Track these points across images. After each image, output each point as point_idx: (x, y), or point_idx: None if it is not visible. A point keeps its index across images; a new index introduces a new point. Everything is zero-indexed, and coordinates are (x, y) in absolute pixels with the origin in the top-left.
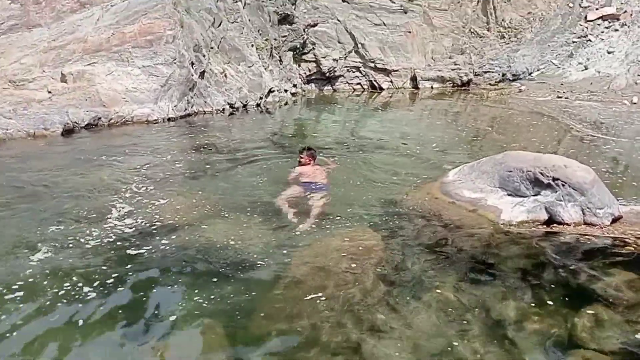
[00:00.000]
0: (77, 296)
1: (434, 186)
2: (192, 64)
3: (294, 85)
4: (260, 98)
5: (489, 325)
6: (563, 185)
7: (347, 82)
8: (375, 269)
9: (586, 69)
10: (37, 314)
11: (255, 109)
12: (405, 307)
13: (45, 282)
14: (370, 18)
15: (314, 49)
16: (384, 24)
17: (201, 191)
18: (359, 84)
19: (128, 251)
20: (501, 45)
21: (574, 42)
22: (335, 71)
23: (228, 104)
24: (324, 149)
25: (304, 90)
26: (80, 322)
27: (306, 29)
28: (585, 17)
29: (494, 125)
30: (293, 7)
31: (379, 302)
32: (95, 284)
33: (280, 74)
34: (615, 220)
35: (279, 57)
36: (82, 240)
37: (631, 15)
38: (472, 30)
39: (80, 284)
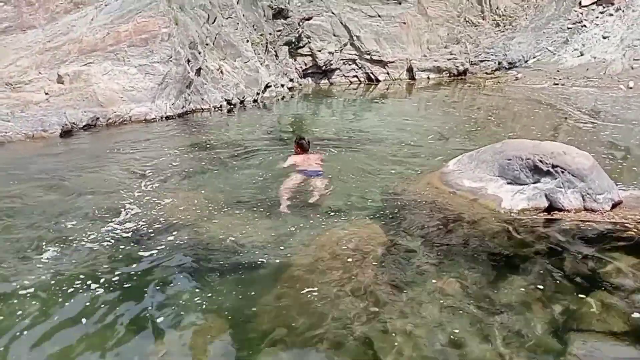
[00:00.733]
0: (79, 296)
1: (434, 176)
2: (188, 61)
3: (291, 80)
4: (257, 93)
5: (493, 313)
6: (562, 172)
7: (344, 75)
8: (377, 261)
9: (582, 54)
10: (39, 315)
11: (253, 104)
12: (408, 298)
13: (48, 284)
14: (364, 10)
15: (309, 42)
16: (379, 16)
17: (202, 188)
18: (355, 76)
19: (129, 250)
20: (496, 34)
21: (568, 28)
22: (332, 64)
23: (225, 100)
24: (322, 142)
25: (301, 85)
26: (84, 321)
27: (301, 23)
28: (580, 3)
29: (492, 114)
30: (287, 1)
31: (382, 294)
32: (96, 284)
33: (277, 69)
34: (615, 205)
35: (275, 51)
36: (84, 240)
37: None
38: (467, 19)
39: (82, 284)
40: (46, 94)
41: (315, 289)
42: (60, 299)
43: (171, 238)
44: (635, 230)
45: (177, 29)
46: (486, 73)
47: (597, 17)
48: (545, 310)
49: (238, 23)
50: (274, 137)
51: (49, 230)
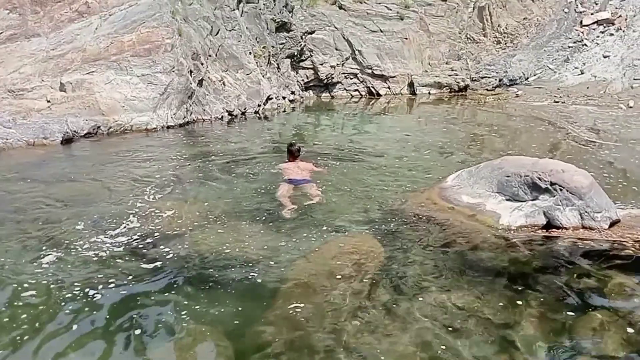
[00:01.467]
0: (74, 304)
1: (433, 192)
2: (191, 72)
3: (292, 92)
4: (259, 105)
5: (489, 330)
6: (561, 189)
7: (345, 89)
8: (375, 275)
9: (582, 73)
10: (35, 320)
11: (254, 116)
12: (405, 312)
13: (46, 290)
14: (367, 25)
15: (311, 56)
16: (381, 31)
17: (201, 199)
18: (356, 90)
19: (126, 260)
20: (497, 51)
21: (569, 46)
22: (333, 78)
23: (227, 111)
24: (322, 155)
25: (302, 97)
26: (75, 328)
27: (303, 36)
28: (581, 22)
29: (492, 130)
30: (290, 14)
31: (379, 307)
32: (92, 291)
33: (279, 81)
34: (613, 224)
35: (277, 64)
36: (83, 248)
37: (626, 19)
38: (468, 36)
39: (79, 292)
40: (48, 101)
41: (311, 303)
42: (57, 306)
43: (169, 249)
44: (633, 248)
45: (181, 40)
46: (487, 89)
47: (597, 37)
48: (541, 327)
49: (241, 35)
50: (274, 148)
51: (48, 237)
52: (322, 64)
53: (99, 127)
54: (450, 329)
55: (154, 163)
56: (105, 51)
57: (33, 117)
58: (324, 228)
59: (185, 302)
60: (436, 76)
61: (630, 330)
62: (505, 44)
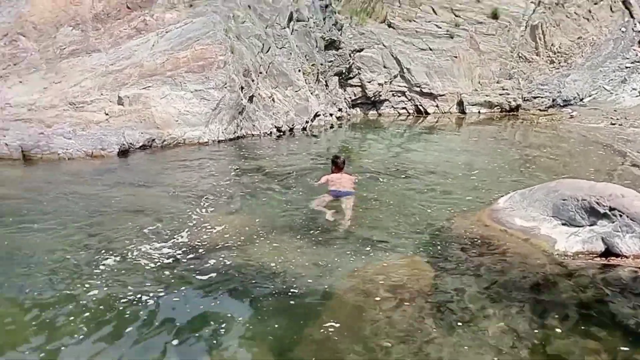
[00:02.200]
0: (125, 312)
1: (484, 213)
2: (242, 88)
3: (339, 109)
4: (307, 122)
5: None
6: (620, 215)
7: (392, 106)
8: (421, 297)
9: None
10: (89, 329)
11: (302, 132)
12: (455, 338)
13: (99, 298)
14: (416, 43)
15: (359, 73)
16: (430, 49)
17: (250, 212)
18: (404, 108)
19: (177, 271)
20: (551, 70)
21: (627, 67)
22: (381, 95)
23: (275, 127)
24: (368, 171)
25: (349, 114)
26: (130, 336)
27: (352, 54)
28: (639, 42)
29: (545, 152)
30: (339, 33)
31: (427, 331)
32: (145, 300)
33: (326, 98)
34: None
35: (325, 81)
36: (135, 257)
37: None
38: (520, 54)
39: (132, 299)
40: (106, 114)
41: (354, 323)
42: (109, 314)
43: (216, 261)
44: None
45: (233, 57)
46: (539, 110)
47: None
48: None
49: (291, 53)
50: (321, 164)
51: (105, 243)
52: (369, 82)
53: (153, 139)
54: (501, 356)
55: (205, 176)
56: (161, 67)
57: (92, 129)
58: (370, 246)
59: (228, 315)
60: (486, 95)
61: None
62: (559, 63)
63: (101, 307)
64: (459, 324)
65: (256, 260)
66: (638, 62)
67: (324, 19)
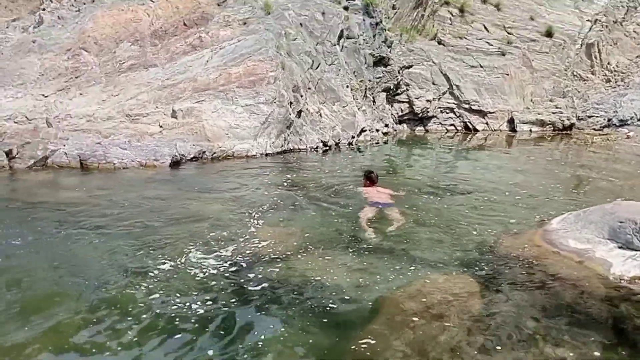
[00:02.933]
0: (176, 319)
1: (536, 234)
2: (291, 103)
3: (386, 125)
4: (353, 137)
5: None
6: None
7: (440, 123)
8: (470, 318)
9: None
10: (133, 337)
11: (347, 147)
12: None
13: (153, 299)
14: (466, 60)
15: (407, 89)
16: (481, 66)
17: (298, 226)
18: (452, 125)
19: (225, 281)
20: (607, 89)
21: None
22: (429, 112)
23: (322, 142)
24: (415, 188)
25: (396, 130)
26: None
27: (400, 71)
28: None
29: (600, 172)
30: (389, 49)
31: (471, 352)
32: (194, 308)
33: (373, 114)
34: None
35: (373, 97)
36: (186, 265)
37: None
38: (574, 73)
39: (181, 306)
40: (160, 126)
41: (399, 341)
42: (158, 319)
43: (264, 273)
44: None
45: (283, 73)
46: (594, 129)
47: None
48: None
49: (340, 69)
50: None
51: (156, 252)
52: (417, 98)
53: (204, 152)
54: None
55: (254, 188)
56: (214, 82)
57: (146, 140)
58: (415, 263)
59: (271, 327)
60: (539, 113)
61: None
62: (616, 82)
63: (151, 312)
64: (505, 346)
65: (301, 273)
66: None
67: (374, 36)
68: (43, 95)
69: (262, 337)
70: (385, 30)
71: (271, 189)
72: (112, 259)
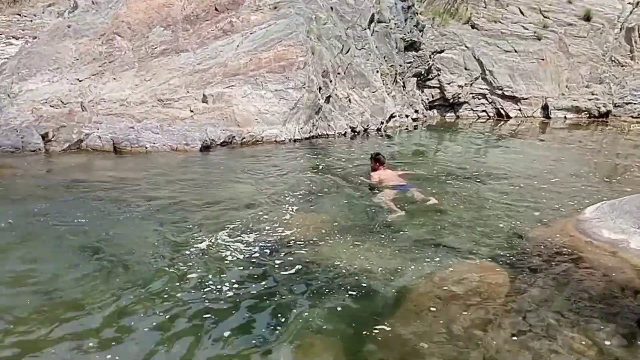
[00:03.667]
0: (200, 305)
1: (569, 223)
2: (320, 88)
3: (416, 111)
4: (382, 123)
5: None
6: None
7: (472, 109)
8: (499, 307)
9: None
10: (158, 322)
11: (376, 133)
12: (529, 349)
13: (186, 281)
14: (500, 45)
15: (438, 75)
16: (515, 51)
17: (327, 211)
18: (484, 111)
19: (255, 265)
20: None
21: None
22: (460, 97)
23: (350, 127)
24: (444, 175)
25: (426, 116)
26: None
27: (432, 56)
28: None
29: (637, 161)
30: (420, 34)
31: (505, 343)
32: (224, 290)
33: (403, 100)
34: None
35: (403, 82)
36: (218, 249)
37: None
38: (612, 58)
39: (210, 290)
40: (191, 111)
41: (427, 329)
42: (193, 297)
43: (293, 257)
44: None
45: (313, 58)
46: (632, 117)
47: None
48: None
49: (370, 54)
50: (395, 166)
51: (188, 235)
52: (449, 84)
53: (233, 137)
54: None
55: (283, 174)
56: (244, 67)
57: (177, 124)
58: (444, 250)
59: (299, 310)
60: (574, 100)
61: None
62: None
63: (184, 292)
64: (534, 334)
65: (329, 259)
66: None
67: (406, 20)
68: (78, 79)
69: (290, 319)
70: (417, 14)
71: (301, 174)
72: (149, 238)
